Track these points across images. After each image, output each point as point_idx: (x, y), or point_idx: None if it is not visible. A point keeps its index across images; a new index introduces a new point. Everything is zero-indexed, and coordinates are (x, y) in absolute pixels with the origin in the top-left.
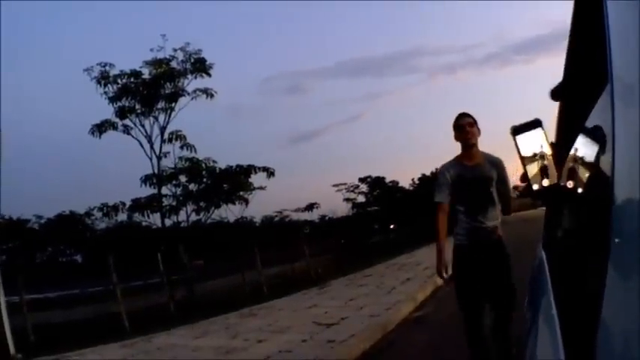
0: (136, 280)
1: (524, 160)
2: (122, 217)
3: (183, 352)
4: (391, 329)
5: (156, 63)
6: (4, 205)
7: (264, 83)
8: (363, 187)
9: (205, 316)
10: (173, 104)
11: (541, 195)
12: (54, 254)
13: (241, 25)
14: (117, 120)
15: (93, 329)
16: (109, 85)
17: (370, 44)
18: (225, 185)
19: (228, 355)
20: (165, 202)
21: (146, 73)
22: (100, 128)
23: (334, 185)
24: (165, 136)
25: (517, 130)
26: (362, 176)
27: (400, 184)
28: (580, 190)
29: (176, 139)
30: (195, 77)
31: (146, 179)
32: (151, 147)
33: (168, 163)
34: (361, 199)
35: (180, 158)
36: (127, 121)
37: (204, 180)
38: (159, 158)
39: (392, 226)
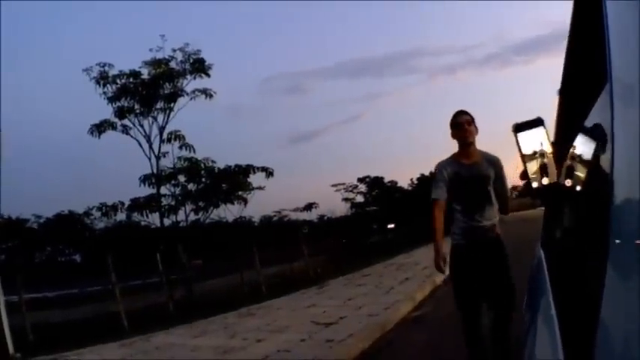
0: (135, 280)
1: (525, 158)
2: (121, 216)
3: (182, 352)
4: (390, 329)
5: (155, 63)
6: (3, 205)
7: (264, 83)
8: (362, 187)
9: (204, 315)
10: (172, 104)
11: (540, 193)
12: (53, 254)
13: (241, 25)
14: (116, 120)
15: (92, 329)
16: (108, 85)
17: (370, 44)
18: (224, 185)
19: (227, 354)
20: (164, 201)
21: (145, 73)
22: (99, 128)
23: (333, 185)
24: (164, 136)
25: (519, 128)
26: (361, 176)
27: (399, 184)
28: (579, 190)
29: (175, 139)
30: (195, 77)
31: (145, 179)
32: (150, 147)
33: (167, 163)
34: (360, 199)
35: (179, 158)
36: (126, 121)
37: (203, 180)
38: (158, 158)
39: (390, 226)
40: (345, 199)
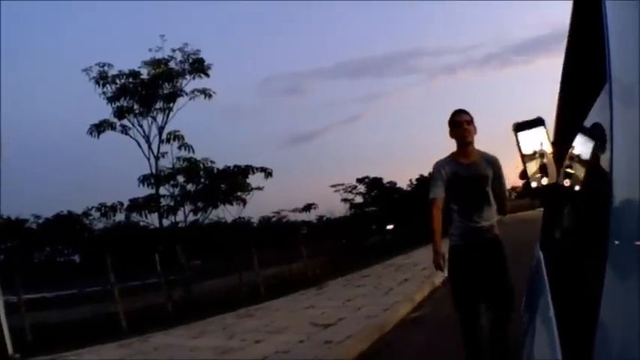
0: (134, 280)
1: (525, 158)
2: (120, 217)
3: (181, 352)
4: (388, 330)
5: (154, 63)
6: (2, 205)
7: (264, 83)
8: (361, 188)
9: (202, 316)
10: (171, 104)
11: (539, 193)
12: (52, 254)
13: (241, 25)
14: (115, 120)
15: (90, 329)
16: (107, 85)
17: (370, 45)
18: (222, 185)
19: (225, 355)
20: (163, 202)
21: (144, 73)
22: (99, 128)
23: (332, 186)
24: (164, 136)
25: (519, 127)
26: (360, 177)
27: (398, 185)
28: (578, 190)
29: (174, 140)
30: (194, 78)
31: (144, 179)
32: (149, 147)
33: (166, 163)
34: (359, 199)
35: (178, 158)
36: (125, 121)
37: (202, 180)
38: (157, 158)
39: (389, 227)
40: (344, 200)
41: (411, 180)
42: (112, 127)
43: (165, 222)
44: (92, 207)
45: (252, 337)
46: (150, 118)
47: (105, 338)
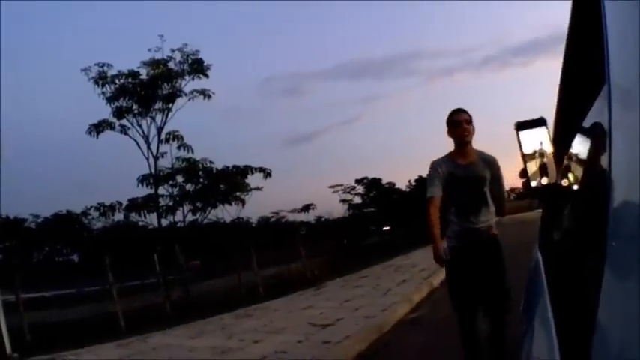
0: (133, 280)
1: (525, 157)
2: (119, 217)
3: (179, 352)
4: (387, 330)
5: (153, 63)
6: (1, 205)
7: (263, 84)
8: (360, 189)
9: (201, 316)
10: (170, 105)
11: (539, 193)
12: (51, 254)
13: (240, 26)
14: (114, 120)
15: (89, 329)
16: (106, 85)
17: (369, 47)
18: (221, 186)
19: (224, 355)
20: (162, 202)
21: (144, 73)
22: (98, 128)
23: (331, 187)
24: (163, 136)
25: (521, 126)
26: (358, 178)
27: (397, 186)
28: (577, 191)
29: (173, 140)
30: (193, 78)
31: (143, 179)
32: (148, 147)
33: (165, 163)
34: (358, 200)
35: (177, 159)
36: (125, 122)
37: (201, 180)
38: (156, 158)
39: (385, 228)
40: (343, 201)
41: (409, 181)
42: (111, 127)
43: (164, 222)
44: (91, 207)
45: (250, 337)
46: (149, 119)
47: (103, 338)
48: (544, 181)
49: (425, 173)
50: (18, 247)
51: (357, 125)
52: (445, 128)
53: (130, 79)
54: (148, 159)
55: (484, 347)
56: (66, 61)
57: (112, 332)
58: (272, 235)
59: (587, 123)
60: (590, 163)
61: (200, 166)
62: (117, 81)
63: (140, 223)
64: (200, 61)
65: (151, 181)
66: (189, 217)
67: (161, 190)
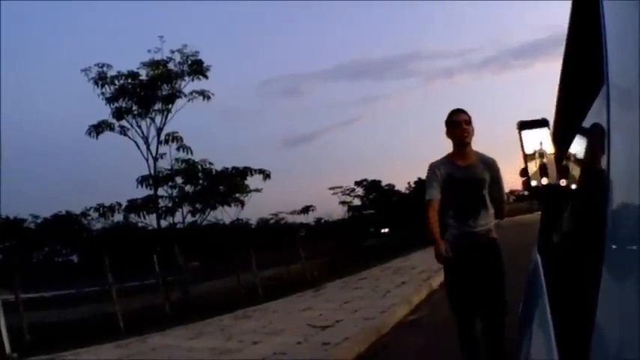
0: (132, 281)
1: (527, 156)
2: (118, 217)
3: (178, 353)
4: (386, 332)
5: (153, 64)
6: (1, 205)
7: (262, 85)
8: (359, 191)
9: (200, 317)
10: (170, 106)
11: (539, 193)
12: (50, 254)
13: (240, 26)
14: (114, 121)
15: (88, 329)
16: (106, 86)
17: (368, 47)
18: (221, 187)
19: (223, 356)
20: (161, 203)
21: (143, 74)
22: (97, 129)
23: (330, 188)
24: (162, 137)
25: (523, 126)
26: (358, 179)
27: (396, 188)
28: (576, 192)
29: (172, 141)
30: (193, 79)
31: (142, 180)
32: (148, 148)
33: (164, 164)
34: (357, 202)
35: (177, 160)
36: (124, 122)
37: (200, 182)
38: (155, 159)
39: (384, 231)
40: (343, 203)
41: (409, 183)
42: (111, 127)
43: (164, 223)
44: (91, 207)
45: (249, 338)
46: (148, 119)
47: (103, 338)
48: (544, 181)
49: (424, 175)
50: (17, 248)
51: (356, 126)
52: (444, 129)
53: (129, 80)
54: (147, 160)
55: (483, 349)
56: (66, 62)
57: (111, 333)
58: (271, 237)
59: (586, 123)
60: (589, 164)
61: (199, 167)
62: (116, 82)
63: (139, 224)
64: (200, 62)
65: (151, 182)
66: (189, 219)
67: (160, 191)
